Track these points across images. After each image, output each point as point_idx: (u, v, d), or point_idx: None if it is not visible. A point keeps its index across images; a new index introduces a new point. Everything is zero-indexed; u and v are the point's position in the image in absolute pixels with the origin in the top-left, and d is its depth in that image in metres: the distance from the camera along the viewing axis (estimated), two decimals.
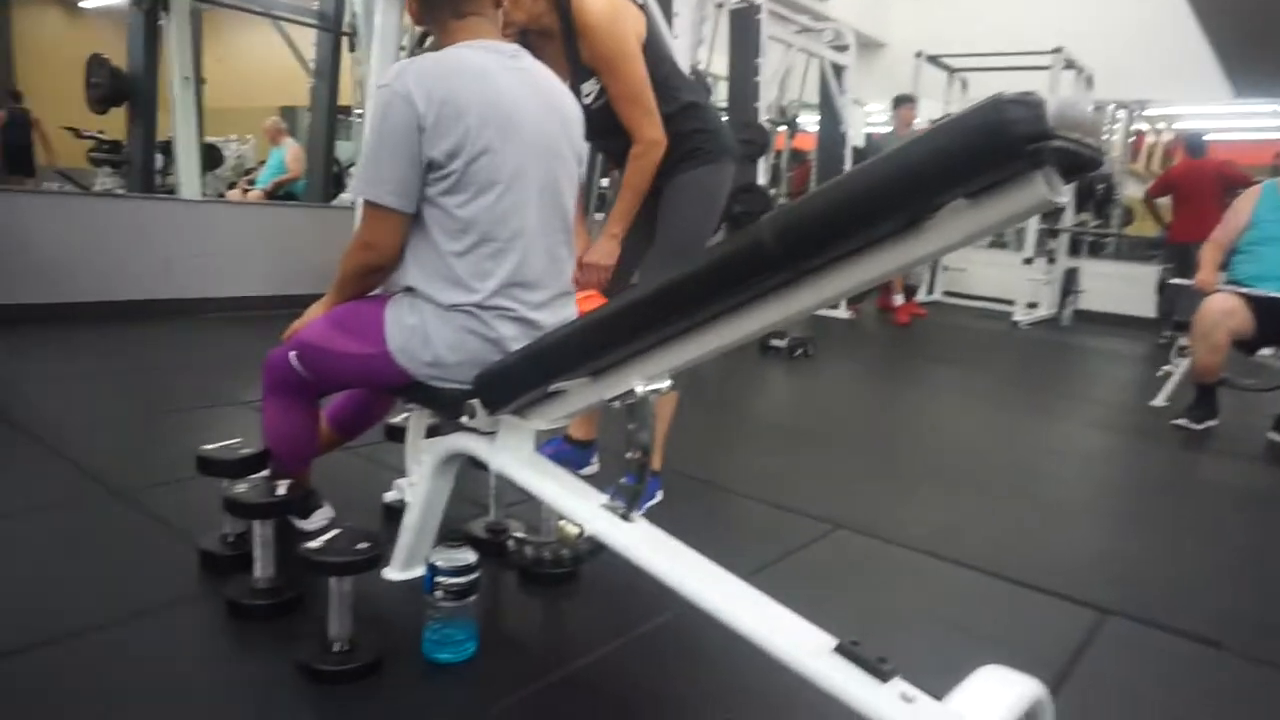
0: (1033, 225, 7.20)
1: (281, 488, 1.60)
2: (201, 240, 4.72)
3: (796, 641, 1.10)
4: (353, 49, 6.15)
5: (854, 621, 1.15)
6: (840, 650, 1.07)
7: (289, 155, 7.17)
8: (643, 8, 2.06)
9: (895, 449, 3.17)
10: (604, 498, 1.38)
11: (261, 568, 1.56)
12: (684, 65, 4.37)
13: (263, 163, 7.79)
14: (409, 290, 1.52)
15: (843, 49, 6.47)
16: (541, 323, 1.53)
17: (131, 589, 1.63)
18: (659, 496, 2.23)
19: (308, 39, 6.47)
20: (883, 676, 1.03)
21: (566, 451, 2.36)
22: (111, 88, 5.47)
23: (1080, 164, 0.93)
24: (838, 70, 6.49)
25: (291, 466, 1.74)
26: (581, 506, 1.38)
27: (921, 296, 7.74)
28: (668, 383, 1.34)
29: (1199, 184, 6.01)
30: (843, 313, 6.50)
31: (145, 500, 2.04)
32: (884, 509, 2.40)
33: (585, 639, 1.61)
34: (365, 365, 1.54)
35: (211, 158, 7.98)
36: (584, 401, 1.40)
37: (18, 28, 14.91)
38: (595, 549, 1.38)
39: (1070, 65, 7.05)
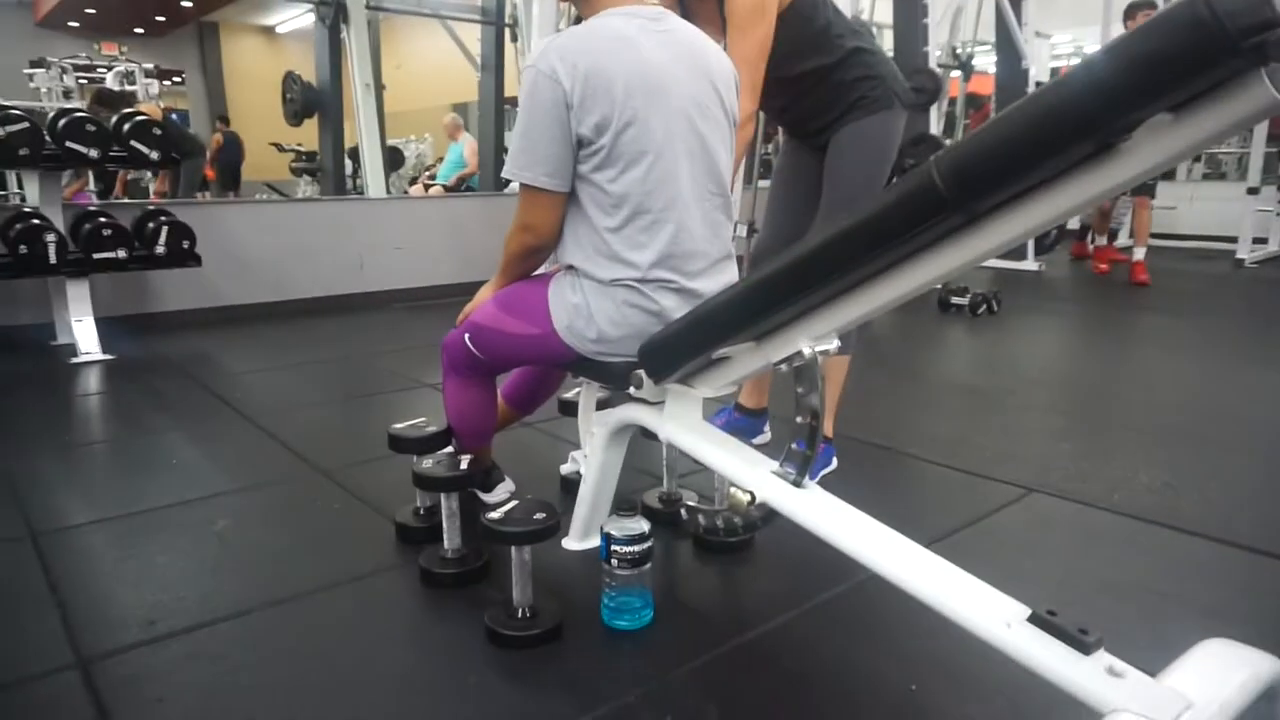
0: (1258, 146, 6.36)
1: (464, 462, 1.68)
2: (388, 236, 5.05)
3: (986, 610, 1.03)
4: (515, 39, 6.36)
5: (1052, 592, 1.06)
6: (1035, 620, 0.99)
7: (467, 150, 7.51)
8: None
9: (1097, 408, 2.91)
10: (774, 464, 1.34)
11: (449, 538, 1.65)
12: (847, 11, 4.20)
13: (442, 159, 8.22)
14: (570, 269, 1.53)
15: None
16: (702, 291, 1.50)
17: (337, 558, 1.77)
18: (834, 464, 2.17)
19: (475, 35, 6.74)
20: (1085, 649, 0.94)
21: (738, 420, 2.34)
22: (304, 101, 5.93)
23: None
24: (1015, 2, 5.99)
25: (471, 442, 1.81)
26: (752, 473, 1.35)
27: (1124, 240, 7.06)
28: (836, 343, 1.28)
29: None
30: (1030, 264, 6.05)
31: (346, 478, 2.20)
32: (1084, 471, 2.21)
33: (761, 608, 1.58)
34: (534, 344, 1.58)
35: (394, 159, 8.52)
36: (750, 367, 1.37)
37: (226, 56, 16.51)
38: (768, 516, 1.35)
39: None
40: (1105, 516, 1.91)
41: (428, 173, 8.72)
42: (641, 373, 1.47)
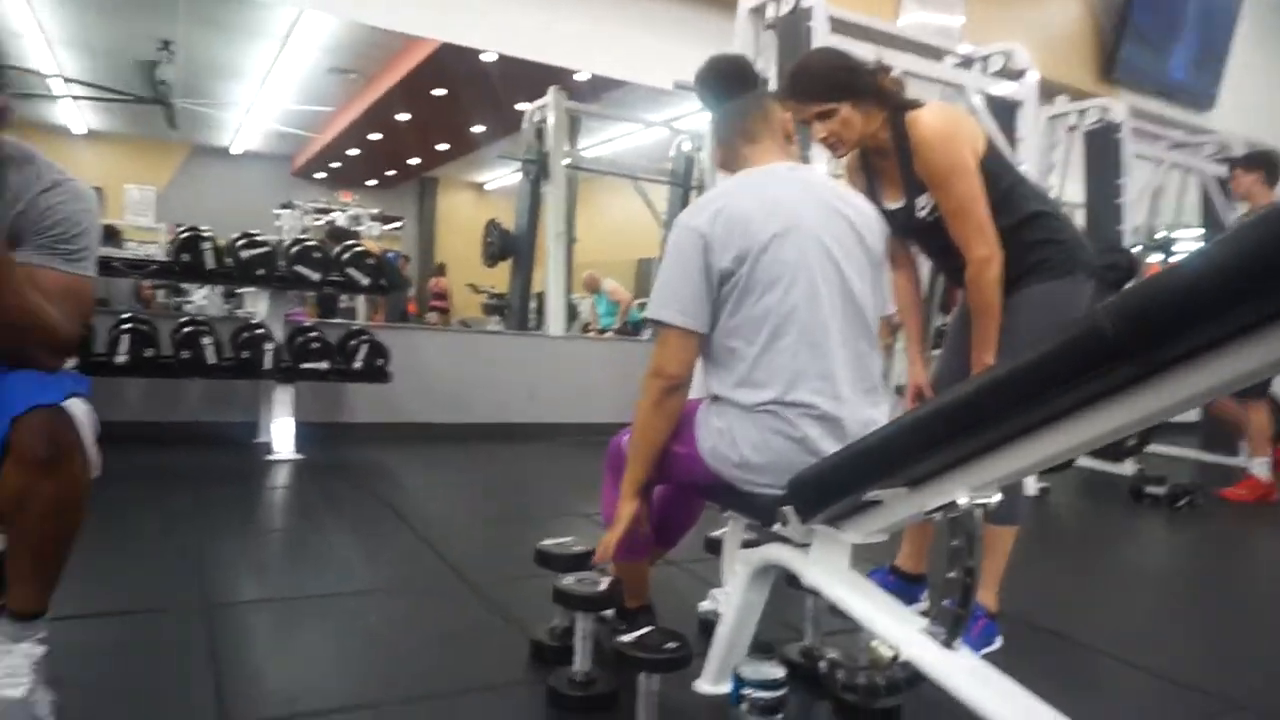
0: None
1: (604, 583, 1.67)
2: (560, 372, 5.30)
3: None
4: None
5: None
6: None
7: (608, 294, 7.92)
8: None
9: None
10: (924, 622, 1.27)
11: (581, 660, 1.63)
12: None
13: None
14: (714, 398, 1.58)
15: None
16: (845, 420, 1.50)
17: (471, 667, 1.80)
18: (997, 643, 1.99)
19: (662, 195, 7.20)
20: None
21: (892, 584, 2.21)
22: (500, 245, 6.47)
23: None
24: (1224, 184, 5.74)
25: (621, 555, 1.80)
26: (897, 628, 1.27)
27: None
28: (997, 496, 1.22)
29: None
30: (1243, 460, 5.47)
31: (492, 591, 2.25)
32: None
33: None
34: (680, 462, 1.61)
35: (570, 314, 9.07)
36: (902, 513, 1.32)
37: (440, 207, 18.40)
38: (912, 679, 1.25)
39: None
40: None
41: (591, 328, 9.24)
42: (789, 509, 1.44)
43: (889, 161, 2.00)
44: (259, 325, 4.07)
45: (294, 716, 1.51)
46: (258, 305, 4.61)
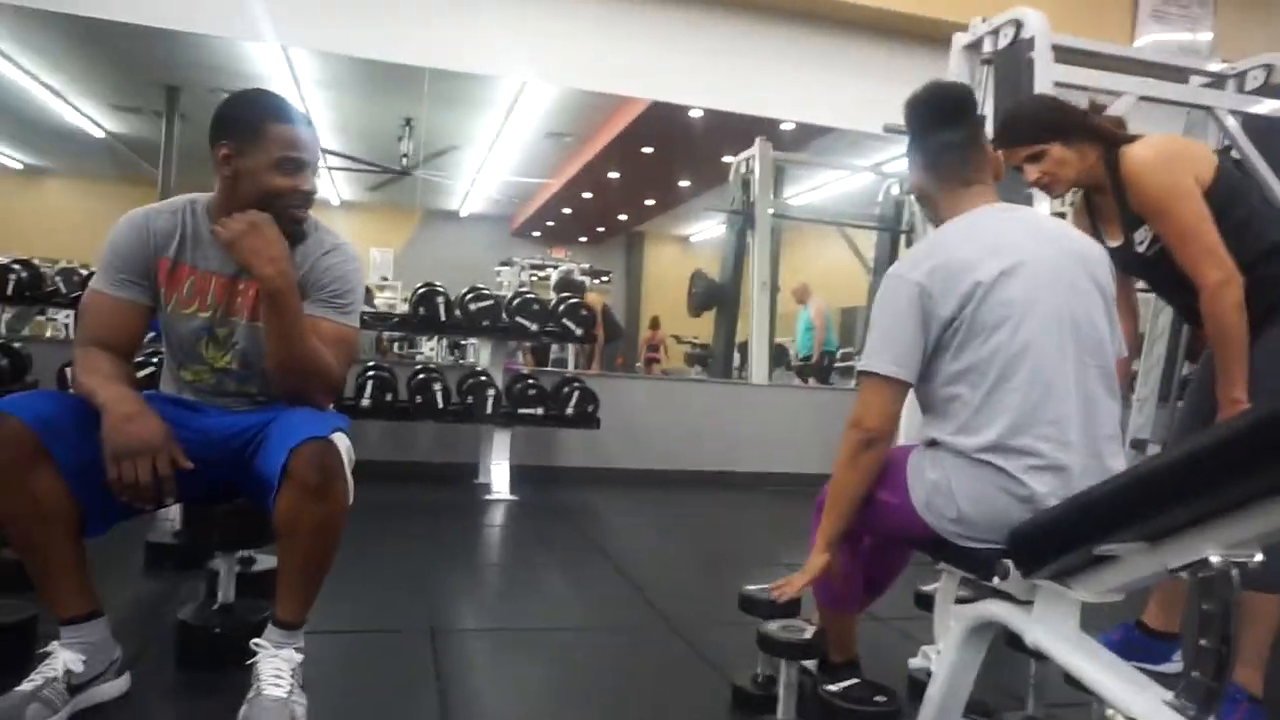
0: None
1: (809, 631, 1.64)
2: (763, 420, 5.28)
3: None
4: (909, 245, 6.54)
5: None
6: None
7: (813, 312, 7.72)
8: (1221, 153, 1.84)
9: None
10: (1169, 694, 1.14)
11: (784, 709, 1.60)
12: None
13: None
14: (931, 443, 1.51)
15: None
16: (1074, 469, 1.38)
17: (672, 708, 1.82)
18: None
19: (869, 240, 7.06)
20: None
21: (1137, 639, 2.01)
22: (705, 294, 6.60)
23: None
24: None
25: (827, 599, 1.76)
26: (1137, 699, 1.15)
27: None
28: (1259, 556, 1.08)
29: None
30: None
31: (693, 634, 2.26)
32: None
33: None
34: (891, 513, 1.54)
35: (779, 355, 9.01)
36: (1140, 571, 1.19)
37: (646, 262, 19.06)
38: None
39: None
40: None
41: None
42: (1009, 563, 1.35)
43: (1108, 199, 1.92)
44: (482, 373, 4.38)
45: None
46: (480, 354, 4.96)
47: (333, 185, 11.40)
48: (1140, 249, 1.90)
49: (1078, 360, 1.44)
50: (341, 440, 1.54)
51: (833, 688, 1.36)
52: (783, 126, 6.21)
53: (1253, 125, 3.77)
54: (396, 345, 9.12)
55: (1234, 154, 3.87)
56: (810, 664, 1.79)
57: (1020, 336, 1.41)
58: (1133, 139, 1.87)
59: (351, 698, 1.75)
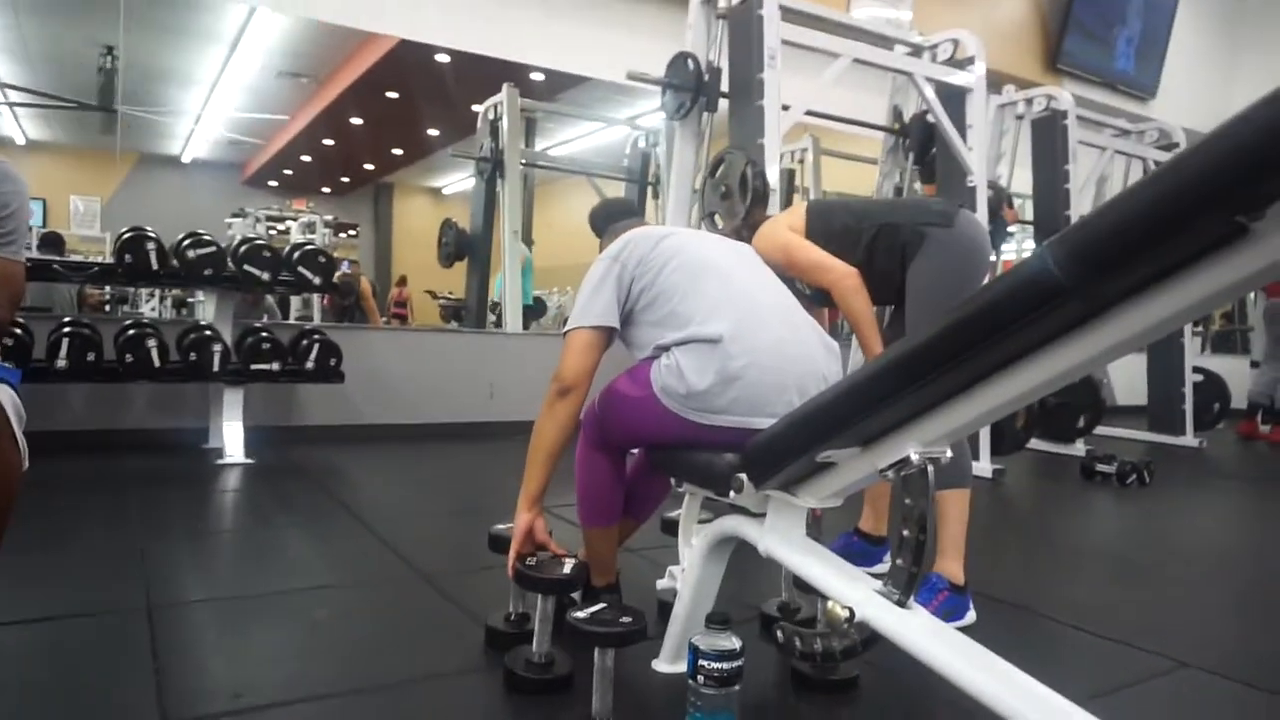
0: None
1: (567, 566, 1.63)
2: (519, 370, 5.24)
3: None
4: (655, 197, 6.72)
5: None
6: None
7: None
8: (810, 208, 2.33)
9: (1264, 586, 2.59)
10: (878, 583, 1.25)
11: (539, 642, 1.59)
12: (980, 182, 4.23)
13: None
14: (662, 349, 1.62)
15: (1172, 148, 5.85)
16: (789, 342, 1.60)
17: (425, 656, 1.75)
18: (970, 617, 2.00)
19: (619, 193, 7.17)
20: None
21: (856, 545, 2.26)
22: (456, 245, 6.40)
23: None
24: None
25: (590, 515, 1.79)
26: (852, 590, 1.26)
27: None
28: (948, 453, 1.20)
29: None
30: (1189, 440, 5.61)
31: (446, 583, 2.20)
32: (1250, 653, 1.95)
33: None
34: (638, 408, 1.60)
35: (537, 308, 8.99)
36: (856, 474, 1.30)
37: (396, 213, 18.21)
38: (869, 640, 1.24)
39: None
40: (1274, 699, 1.66)
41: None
42: (743, 476, 1.42)
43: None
44: (206, 327, 3.97)
45: (237, 712, 1.45)
46: (206, 309, 4.49)
47: (16, 122, 9.75)
48: (806, 291, 2.27)
49: (755, 276, 1.74)
50: (4, 393, 1.31)
51: (579, 614, 1.37)
52: (534, 76, 6.12)
53: (944, 92, 4.23)
54: (109, 306, 8.08)
55: (929, 117, 4.35)
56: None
57: (695, 257, 1.68)
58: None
59: (45, 692, 1.52)
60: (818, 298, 2.34)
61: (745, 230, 2.36)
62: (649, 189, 6.76)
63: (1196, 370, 5.90)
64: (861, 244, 2.20)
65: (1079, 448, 4.91)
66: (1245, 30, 8.73)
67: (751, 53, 3.60)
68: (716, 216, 3.49)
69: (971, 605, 2.01)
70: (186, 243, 3.85)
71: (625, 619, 1.37)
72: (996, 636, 1.92)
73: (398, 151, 14.80)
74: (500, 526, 1.86)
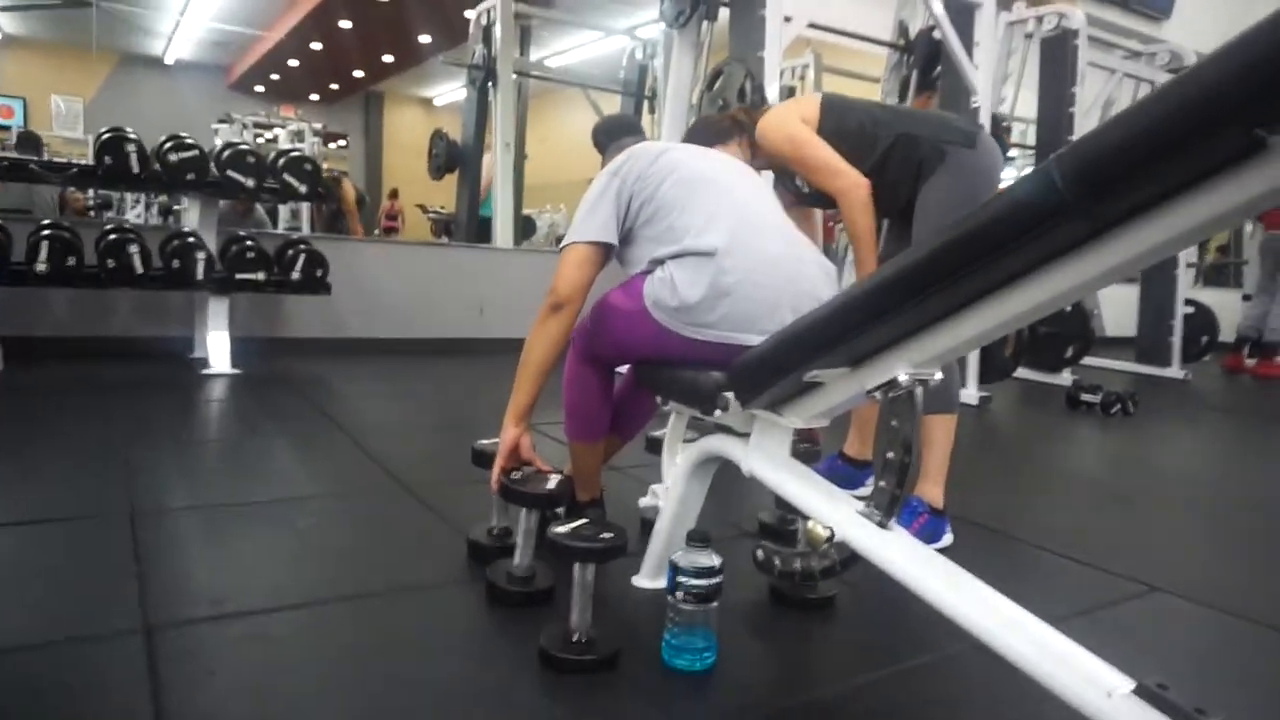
0: None
1: (551, 481, 1.62)
2: (510, 286, 5.19)
3: (1084, 678, 0.90)
4: (652, 111, 6.55)
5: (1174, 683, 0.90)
6: (1142, 692, 0.85)
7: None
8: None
9: (1237, 517, 2.62)
10: (860, 504, 1.25)
11: (521, 556, 1.60)
12: (985, 103, 4.12)
13: None
14: (656, 262, 1.59)
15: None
16: (779, 257, 1.57)
17: (409, 568, 1.76)
18: (948, 539, 2.03)
19: (615, 107, 6.98)
20: None
21: (840, 469, 2.27)
22: (447, 156, 6.26)
23: None
24: None
25: (578, 427, 1.79)
26: (833, 511, 1.25)
27: None
28: (938, 375, 1.18)
29: None
30: (1175, 371, 5.64)
31: (430, 495, 2.21)
32: (1222, 577, 1.99)
33: (837, 666, 1.46)
34: (630, 322, 1.58)
35: (526, 227, 8.85)
36: (843, 394, 1.28)
37: (387, 124, 17.77)
38: (848, 560, 1.25)
39: None
40: (1240, 623, 1.69)
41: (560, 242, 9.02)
42: (730, 395, 1.40)
43: (779, 167, 2.27)
44: (190, 234, 3.89)
45: (220, 617, 1.45)
46: (190, 216, 4.40)
47: None
48: (804, 189, 2.24)
49: (758, 196, 1.70)
50: None
51: (560, 529, 1.36)
52: None
53: (952, 7, 4.08)
54: (93, 212, 7.92)
55: (936, 34, 4.21)
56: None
57: (691, 171, 1.65)
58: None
59: (24, 597, 1.52)
60: (815, 198, 2.27)
61: (747, 130, 2.22)
62: (646, 103, 6.59)
63: (1188, 303, 5.89)
64: (877, 150, 2.09)
65: (1066, 377, 4.92)
66: None
67: None
68: None
69: (949, 528, 2.03)
70: (169, 146, 3.75)
71: (606, 534, 1.36)
72: (974, 559, 1.93)
73: (389, 59, 14.37)
74: (484, 441, 1.85)
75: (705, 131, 2.15)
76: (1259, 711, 1.36)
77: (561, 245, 1.66)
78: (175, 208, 7.05)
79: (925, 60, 4.53)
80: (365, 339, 4.77)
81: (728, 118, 2.22)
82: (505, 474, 1.63)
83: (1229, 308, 6.65)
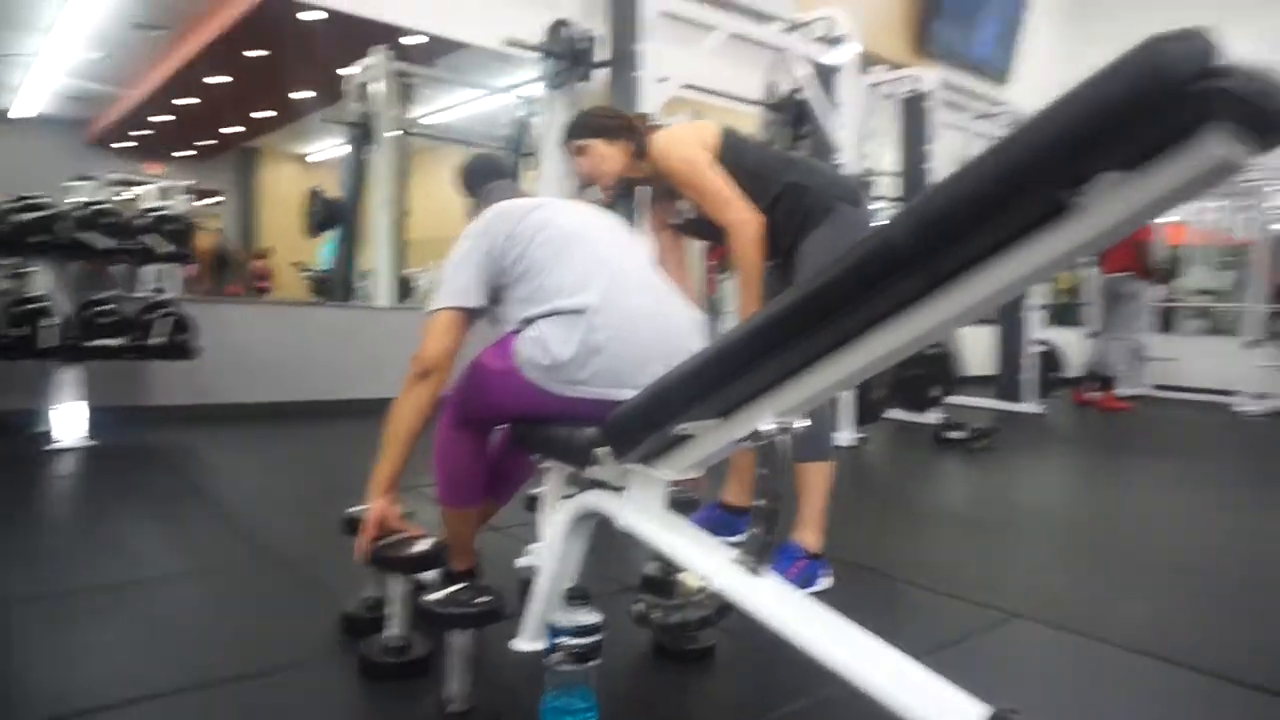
0: (1255, 304, 6.45)
1: (421, 544, 1.58)
2: (389, 345, 5.07)
3: (943, 708, 0.93)
4: (535, 167, 6.62)
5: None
6: None
7: None
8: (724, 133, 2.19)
9: (1090, 542, 2.79)
10: (733, 553, 1.26)
11: (396, 625, 1.54)
12: (850, 159, 4.35)
13: None
14: (527, 321, 1.60)
15: None
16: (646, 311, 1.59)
17: (277, 647, 1.67)
18: (824, 583, 2.07)
19: None
20: None
21: (720, 516, 2.28)
22: (324, 213, 6.14)
23: (1267, 123, 0.77)
24: None
25: (449, 495, 1.75)
26: (706, 560, 1.27)
27: (1127, 390, 7.04)
28: (805, 422, 1.22)
29: None
30: (1032, 406, 6.01)
31: (303, 568, 2.12)
32: (1074, 601, 2.11)
33: (714, 717, 1.46)
34: (503, 382, 1.57)
35: (403, 289, 8.69)
36: (714, 445, 1.30)
37: (262, 181, 17.23)
38: (722, 610, 1.26)
39: None
40: (1092, 644, 1.79)
41: None
42: (603, 450, 1.41)
43: (656, 181, 2.23)
44: (37, 298, 3.64)
45: (59, 718, 1.34)
46: (42, 282, 4.13)
47: None
48: (690, 214, 2.23)
49: (620, 244, 1.72)
50: None
51: (433, 597, 1.33)
52: (413, 40, 5.89)
53: (818, 70, 4.33)
54: None
55: (802, 94, 4.43)
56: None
57: (561, 228, 1.66)
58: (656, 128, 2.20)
59: None
60: (696, 227, 2.27)
61: (637, 137, 2.18)
62: (528, 158, 6.64)
63: (1039, 341, 6.32)
64: (769, 194, 2.09)
65: (933, 416, 5.17)
66: (1092, 21, 9.30)
67: (630, 23, 3.57)
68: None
69: (828, 571, 2.08)
70: (16, 206, 3.52)
71: (481, 599, 1.34)
72: (850, 598, 2.00)
73: (265, 114, 13.98)
74: (356, 509, 1.78)
75: (593, 123, 2.17)
76: None
77: (427, 310, 1.64)
78: (21, 270, 6.62)
79: (794, 119, 4.75)
80: (237, 404, 4.56)
81: (622, 117, 2.22)
82: (373, 543, 1.58)
83: (1076, 345, 7.16)
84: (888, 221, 0.96)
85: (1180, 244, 8.83)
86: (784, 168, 2.17)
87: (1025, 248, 0.89)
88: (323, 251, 7.48)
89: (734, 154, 2.13)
